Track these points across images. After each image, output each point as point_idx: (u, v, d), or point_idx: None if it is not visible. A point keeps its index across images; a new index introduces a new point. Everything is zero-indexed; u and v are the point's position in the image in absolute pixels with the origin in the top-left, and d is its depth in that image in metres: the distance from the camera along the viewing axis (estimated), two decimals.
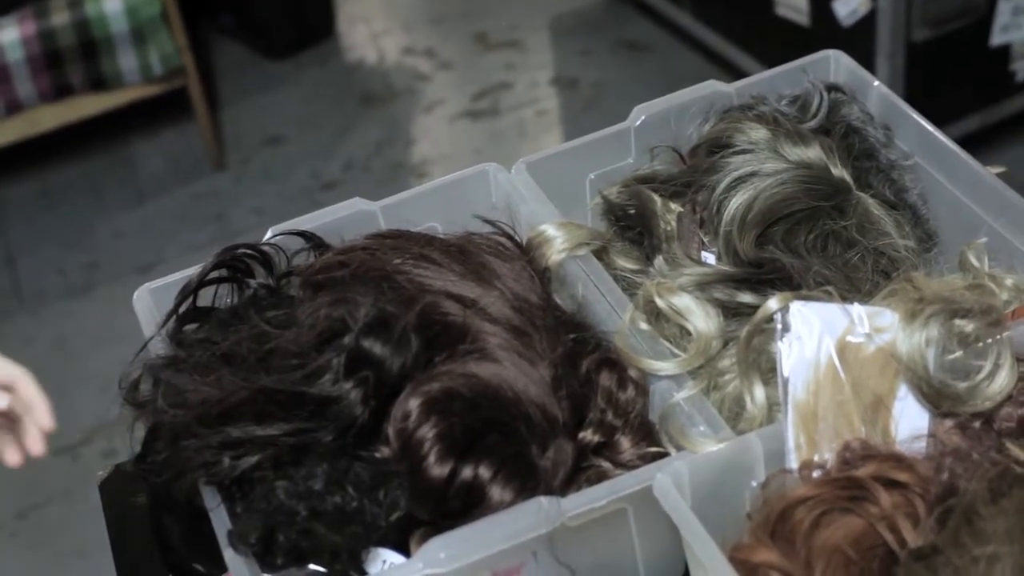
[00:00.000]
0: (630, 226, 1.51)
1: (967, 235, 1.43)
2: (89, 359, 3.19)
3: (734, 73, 3.30)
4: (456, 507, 1.19)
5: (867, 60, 2.95)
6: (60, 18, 3.36)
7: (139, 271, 3.35)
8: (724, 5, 3.49)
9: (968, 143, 3.02)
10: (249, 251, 1.42)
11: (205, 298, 1.43)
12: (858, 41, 2.98)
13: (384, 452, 1.21)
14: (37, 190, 3.70)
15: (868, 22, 2.97)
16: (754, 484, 1.18)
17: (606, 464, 1.25)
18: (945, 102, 3.06)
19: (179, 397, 1.24)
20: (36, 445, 1.39)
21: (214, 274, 1.41)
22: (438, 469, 1.17)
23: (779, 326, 1.22)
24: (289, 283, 1.43)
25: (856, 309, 1.22)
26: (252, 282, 1.42)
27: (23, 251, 3.52)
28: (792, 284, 1.36)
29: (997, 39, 3.04)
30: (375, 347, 1.21)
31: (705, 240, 1.46)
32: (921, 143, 1.53)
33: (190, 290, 1.40)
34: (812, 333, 1.21)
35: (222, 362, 1.27)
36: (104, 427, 3.00)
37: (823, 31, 3.08)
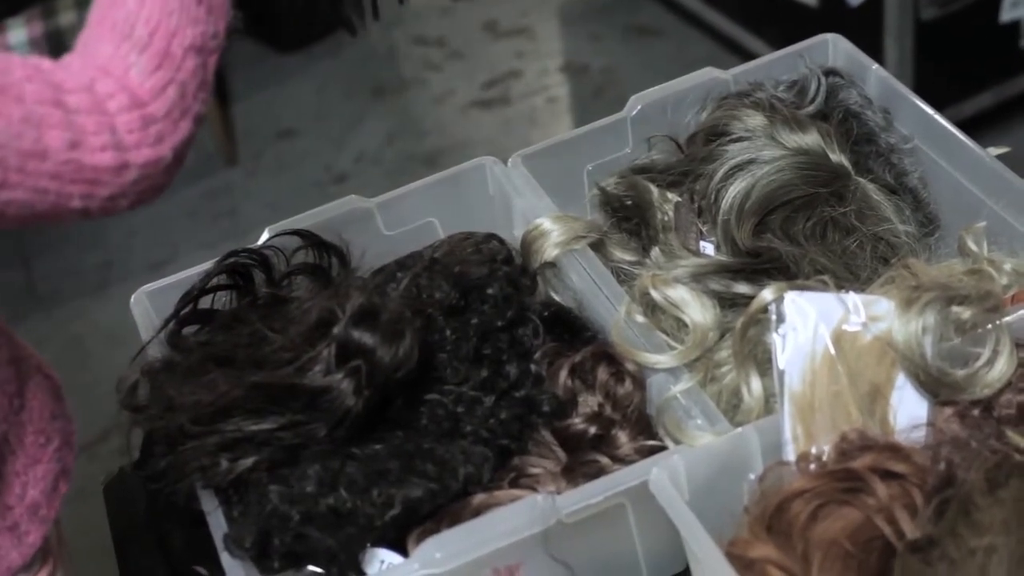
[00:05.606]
0: (628, 217, 1.50)
1: (968, 218, 1.42)
2: (104, 358, 3.18)
3: (745, 56, 3.27)
4: None
5: (876, 40, 2.93)
6: (67, 18, 3.35)
7: (152, 269, 3.35)
8: None
9: (980, 121, 3.02)
10: (249, 258, 1.42)
11: (205, 299, 1.42)
12: (866, 21, 2.95)
13: None
14: None
15: (876, 2, 2.95)
16: (751, 477, 1.17)
17: (604, 459, 1.24)
18: (955, 81, 3.04)
19: (175, 400, 1.24)
20: None
21: (214, 281, 1.41)
22: None
23: (774, 317, 1.20)
24: (288, 285, 1.43)
25: (852, 298, 1.20)
26: (252, 286, 1.41)
27: (37, 251, 3.52)
28: (790, 273, 1.35)
29: (1007, 15, 3.01)
30: (364, 337, 1.21)
31: (703, 229, 1.45)
32: (921, 126, 1.51)
33: (191, 298, 1.40)
34: (807, 323, 1.19)
35: (217, 364, 1.26)
36: (119, 427, 2.99)
37: (831, 12, 3.06)
